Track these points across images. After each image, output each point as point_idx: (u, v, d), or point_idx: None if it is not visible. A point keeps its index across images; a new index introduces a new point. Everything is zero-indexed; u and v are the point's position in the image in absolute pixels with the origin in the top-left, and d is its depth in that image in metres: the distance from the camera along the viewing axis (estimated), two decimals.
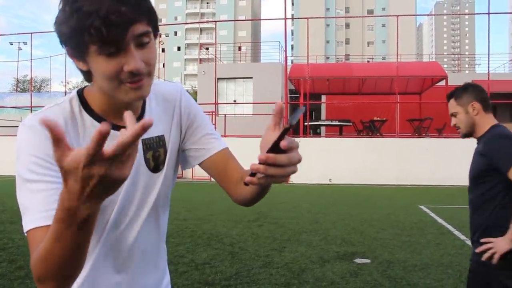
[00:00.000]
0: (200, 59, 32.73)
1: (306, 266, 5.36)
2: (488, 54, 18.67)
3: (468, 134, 2.57)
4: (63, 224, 0.81)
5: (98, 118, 1.11)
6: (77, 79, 53.28)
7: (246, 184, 0.91)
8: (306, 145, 17.24)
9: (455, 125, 2.59)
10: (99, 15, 0.91)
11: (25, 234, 0.98)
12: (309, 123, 19.13)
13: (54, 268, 0.88)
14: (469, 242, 6.67)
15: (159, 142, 1.22)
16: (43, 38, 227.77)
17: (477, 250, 2.35)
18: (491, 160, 2.36)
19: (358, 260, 5.60)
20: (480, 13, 21.19)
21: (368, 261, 5.60)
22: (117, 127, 1.08)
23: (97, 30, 0.92)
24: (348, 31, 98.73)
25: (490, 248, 2.27)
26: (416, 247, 6.34)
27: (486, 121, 2.48)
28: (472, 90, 2.52)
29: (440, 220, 8.54)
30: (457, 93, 2.57)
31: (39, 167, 1.00)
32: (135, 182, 1.17)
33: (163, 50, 67.67)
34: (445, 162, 16.31)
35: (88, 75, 1.07)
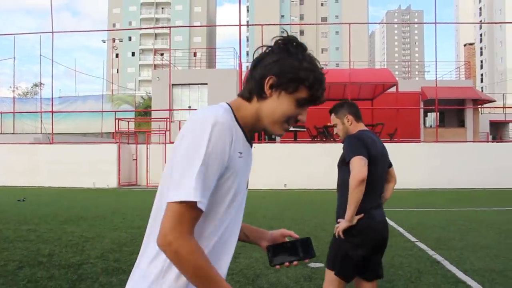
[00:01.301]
0: (155, 65, 32.37)
1: (261, 271, 5.37)
2: (436, 61, 19.38)
3: None
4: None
5: (243, 130, 1.39)
6: (27, 85, 51.63)
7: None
8: (261, 151, 17.33)
9: (336, 133, 3.33)
10: (322, 86, 1.43)
11: (178, 201, 1.21)
12: None
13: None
14: (419, 244, 6.88)
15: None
16: None
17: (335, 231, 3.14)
18: (343, 153, 3.13)
19: (311, 265, 5.65)
20: (428, 23, 21.98)
21: (321, 265, 5.65)
22: (248, 140, 1.42)
23: (317, 94, 1.41)
24: (303, 38, 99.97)
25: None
26: None
27: (356, 128, 3.22)
28: (346, 106, 3.28)
29: (391, 223, 8.74)
30: (335, 109, 3.30)
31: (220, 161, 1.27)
32: (245, 195, 1.48)
33: (117, 55, 66.66)
34: (396, 166, 16.70)
35: (258, 95, 1.39)
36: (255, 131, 1.46)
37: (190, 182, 1.21)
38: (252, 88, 1.40)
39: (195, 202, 1.20)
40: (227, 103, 1.41)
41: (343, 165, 3.15)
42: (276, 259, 1.54)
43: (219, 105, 1.37)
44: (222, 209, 1.34)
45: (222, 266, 1.38)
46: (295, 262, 1.54)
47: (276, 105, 1.38)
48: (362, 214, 3.04)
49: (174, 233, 1.20)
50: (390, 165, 3.47)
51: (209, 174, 1.23)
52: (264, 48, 1.44)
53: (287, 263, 1.54)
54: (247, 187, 1.48)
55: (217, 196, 1.31)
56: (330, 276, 3.18)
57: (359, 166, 2.92)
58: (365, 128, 3.26)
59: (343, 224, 3.05)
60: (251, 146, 1.46)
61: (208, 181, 1.24)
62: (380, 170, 3.16)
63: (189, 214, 1.22)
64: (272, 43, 1.42)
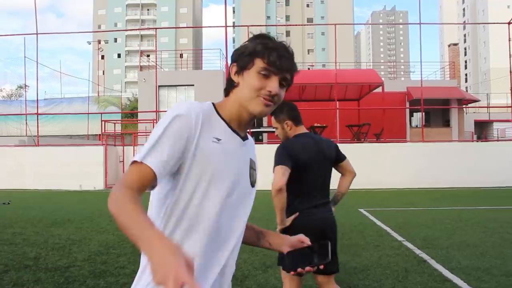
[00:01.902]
0: (141, 66, 32.19)
1: (249, 272, 5.38)
2: (421, 62, 19.55)
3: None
4: (136, 234, 1.12)
5: (225, 122, 1.47)
6: (11, 87, 51.11)
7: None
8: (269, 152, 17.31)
9: (277, 135, 3.41)
10: (278, 52, 1.44)
11: (137, 161, 1.32)
12: (251, 130, 19.22)
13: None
14: (406, 243, 6.93)
15: (255, 165, 1.61)
16: None
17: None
18: None
19: None
20: (412, 23, 22.09)
21: None
22: (235, 131, 1.49)
23: (272, 58, 1.42)
24: (289, 39, 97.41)
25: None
26: (356, 250, 6.51)
27: (295, 132, 3.33)
28: (286, 111, 3.31)
29: (378, 223, 8.81)
30: (276, 112, 3.29)
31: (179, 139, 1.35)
32: (243, 187, 1.51)
33: (102, 57, 66.13)
34: (383, 166, 16.87)
35: (230, 88, 1.50)
36: (247, 123, 1.52)
37: (143, 150, 1.33)
38: (227, 83, 1.52)
39: (141, 163, 1.31)
40: (213, 103, 1.51)
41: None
42: (293, 265, 1.56)
43: (202, 102, 1.46)
44: (196, 195, 1.39)
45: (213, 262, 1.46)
46: (307, 268, 1.54)
47: (244, 85, 1.45)
48: (297, 214, 3.22)
49: (115, 185, 1.30)
50: (342, 159, 3.59)
51: (163, 148, 1.32)
52: None
53: (299, 269, 1.55)
54: (252, 184, 1.56)
55: (187, 179, 1.38)
56: (282, 273, 3.40)
57: (278, 176, 3.09)
58: (305, 131, 3.38)
59: (278, 228, 3.20)
60: (243, 139, 1.52)
61: (162, 153, 1.32)
62: (317, 172, 3.32)
63: (136, 172, 1.31)
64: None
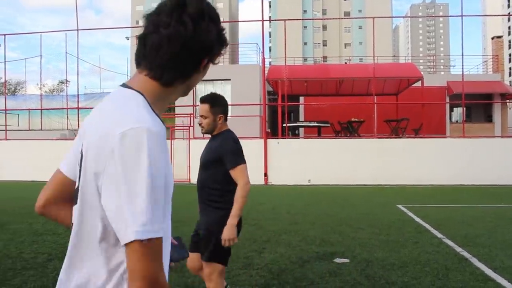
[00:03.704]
0: None
1: (286, 266, 5.37)
2: (462, 55, 19.00)
3: (208, 132, 3.47)
4: None
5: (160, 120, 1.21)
6: (53, 82, 52.65)
7: None
8: (284, 147, 17.29)
9: (201, 124, 3.44)
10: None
11: (136, 239, 1.04)
12: (288, 125, 19.18)
13: None
14: (446, 240, 6.78)
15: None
16: (19, 40, 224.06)
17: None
18: (221, 155, 3.33)
19: (337, 260, 5.62)
20: (454, 15, 21.52)
21: (347, 260, 5.63)
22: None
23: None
24: (326, 33, 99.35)
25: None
26: (394, 246, 6.41)
27: (223, 127, 3.46)
28: (223, 105, 3.44)
29: (417, 219, 8.65)
30: (212, 102, 3.41)
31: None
32: None
33: None
34: (421, 162, 16.54)
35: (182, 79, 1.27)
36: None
37: (143, 216, 1.04)
38: None
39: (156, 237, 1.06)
40: (140, 91, 1.24)
41: (212, 165, 3.39)
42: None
43: (138, 100, 1.19)
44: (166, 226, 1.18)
45: None
46: (171, 263, 1.38)
47: (191, 84, 1.37)
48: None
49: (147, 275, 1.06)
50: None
51: (159, 202, 1.09)
52: None
53: (171, 263, 1.38)
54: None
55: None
56: (218, 268, 3.36)
57: (246, 175, 3.31)
58: (228, 127, 3.53)
59: (233, 221, 3.27)
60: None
61: (160, 205, 1.09)
62: None
63: (157, 248, 1.08)
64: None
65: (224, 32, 1.24)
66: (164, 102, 1.27)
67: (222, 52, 1.23)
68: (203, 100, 3.44)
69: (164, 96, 1.26)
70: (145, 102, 1.19)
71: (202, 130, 3.47)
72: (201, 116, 3.43)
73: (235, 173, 3.30)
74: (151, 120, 1.12)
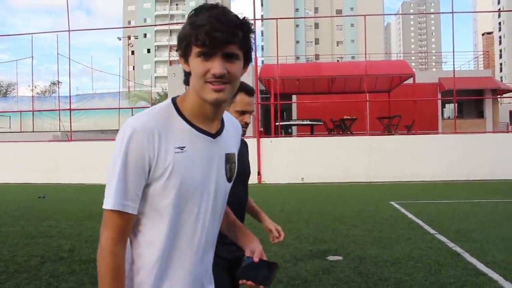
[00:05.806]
0: (170, 61, 32.45)
1: (280, 265, 5.36)
2: (453, 52, 19.10)
3: None
4: None
5: (188, 121, 1.35)
6: (45, 83, 52.42)
7: None
8: (277, 145, 17.31)
9: (247, 123, 2.36)
10: (206, 28, 1.24)
11: (104, 209, 1.29)
12: (280, 123, 19.20)
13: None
14: (438, 236, 6.82)
15: (234, 158, 1.48)
16: (9, 42, 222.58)
17: None
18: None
19: (330, 258, 5.65)
20: (445, 12, 21.63)
21: (340, 258, 5.66)
22: (201, 130, 1.36)
23: (202, 37, 1.24)
24: (318, 31, 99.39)
25: None
26: (387, 243, 6.44)
27: None
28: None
29: (410, 215, 8.69)
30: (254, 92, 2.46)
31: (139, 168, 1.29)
32: (218, 188, 1.41)
33: (132, 52, 67.01)
34: (414, 159, 16.62)
35: (187, 78, 1.38)
36: (213, 114, 1.37)
37: (111, 192, 1.28)
38: (184, 73, 1.41)
39: (117, 210, 1.28)
40: (174, 98, 1.41)
41: (248, 177, 2.53)
42: (241, 273, 1.50)
43: (159, 105, 1.39)
44: (168, 211, 1.33)
45: (175, 276, 1.37)
46: (249, 282, 1.49)
47: (192, 73, 1.33)
48: None
49: (101, 237, 1.33)
50: None
51: (129, 182, 1.28)
52: None
53: (245, 280, 1.49)
54: (230, 179, 1.46)
55: (158, 197, 1.32)
56: None
57: None
58: None
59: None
60: (215, 134, 1.40)
61: (130, 189, 1.28)
62: None
63: (113, 220, 1.30)
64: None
65: (198, 22, 1.27)
66: (195, 99, 1.35)
67: (199, 36, 1.24)
68: (252, 92, 2.46)
69: (191, 94, 1.37)
70: (168, 106, 1.37)
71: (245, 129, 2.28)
72: (247, 112, 2.37)
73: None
74: (144, 119, 1.31)
